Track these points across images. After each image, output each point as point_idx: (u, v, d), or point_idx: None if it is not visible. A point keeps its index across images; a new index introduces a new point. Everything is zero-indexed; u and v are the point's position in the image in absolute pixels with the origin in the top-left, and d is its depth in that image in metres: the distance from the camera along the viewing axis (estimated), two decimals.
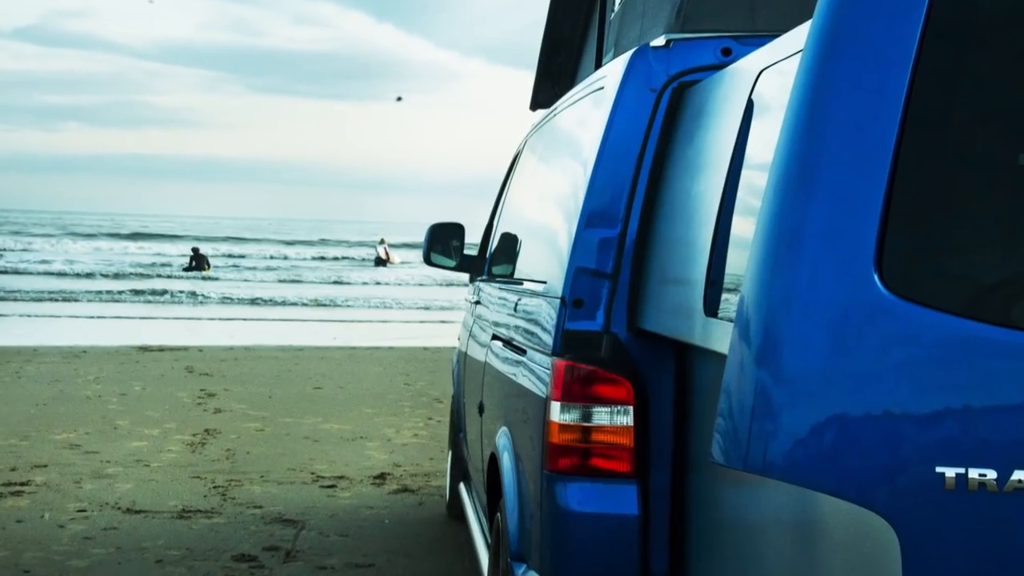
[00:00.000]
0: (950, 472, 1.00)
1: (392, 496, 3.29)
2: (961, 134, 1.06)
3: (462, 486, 2.71)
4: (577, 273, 1.48)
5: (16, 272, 16.08)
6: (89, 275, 15.99)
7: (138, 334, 8.14)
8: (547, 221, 1.79)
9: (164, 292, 13.05)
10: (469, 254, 2.77)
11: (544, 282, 1.64)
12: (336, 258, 22.95)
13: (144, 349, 6.95)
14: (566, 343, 1.46)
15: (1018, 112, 1.04)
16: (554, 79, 2.67)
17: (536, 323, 1.64)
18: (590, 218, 1.49)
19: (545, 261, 1.68)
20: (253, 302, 12.43)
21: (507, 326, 1.94)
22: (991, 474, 1.00)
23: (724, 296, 1.22)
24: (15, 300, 11.59)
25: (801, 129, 1.06)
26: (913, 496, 1.00)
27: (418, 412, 4.80)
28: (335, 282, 16.57)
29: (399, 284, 16.42)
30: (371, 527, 2.94)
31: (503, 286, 2.12)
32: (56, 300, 11.87)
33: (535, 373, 1.59)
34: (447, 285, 14.82)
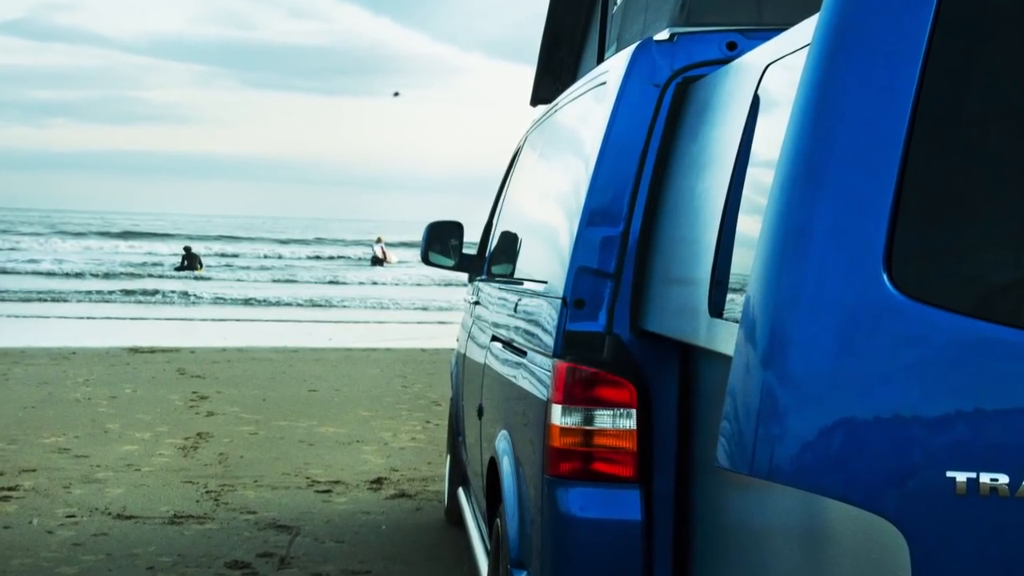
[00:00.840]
0: (961, 477, 0.98)
1: (389, 501, 3.25)
2: (972, 131, 1.04)
3: (461, 491, 2.69)
4: (579, 273, 1.45)
5: (4, 272, 15.97)
6: (79, 275, 15.89)
7: (129, 335, 8.07)
8: (548, 219, 1.77)
9: (155, 292, 12.98)
10: (468, 253, 2.74)
11: (545, 282, 1.62)
12: (332, 257, 22.90)
13: (135, 351, 6.90)
14: (567, 344, 1.44)
15: None
16: (555, 74, 2.64)
17: (537, 324, 1.61)
18: (592, 216, 1.46)
19: (546, 260, 1.66)
20: (247, 302, 12.38)
21: (507, 327, 1.91)
22: (1003, 479, 0.98)
23: (729, 296, 1.20)
24: (2, 300, 11.50)
25: (808, 125, 1.04)
26: (923, 501, 0.98)
27: (416, 415, 4.76)
28: (331, 282, 16.52)
29: (396, 284, 16.36)
30: (367, 533, 2.91)
31: (503, 286, 2.09)
32: (45, 300, 11.78)
33: (535, 375, 1.56)
34: (445, 285, 14.78)
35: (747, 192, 1.20)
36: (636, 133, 1.45)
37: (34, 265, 17.31)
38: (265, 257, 22.26)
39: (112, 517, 3.02)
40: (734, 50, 1.45)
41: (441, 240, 2.75)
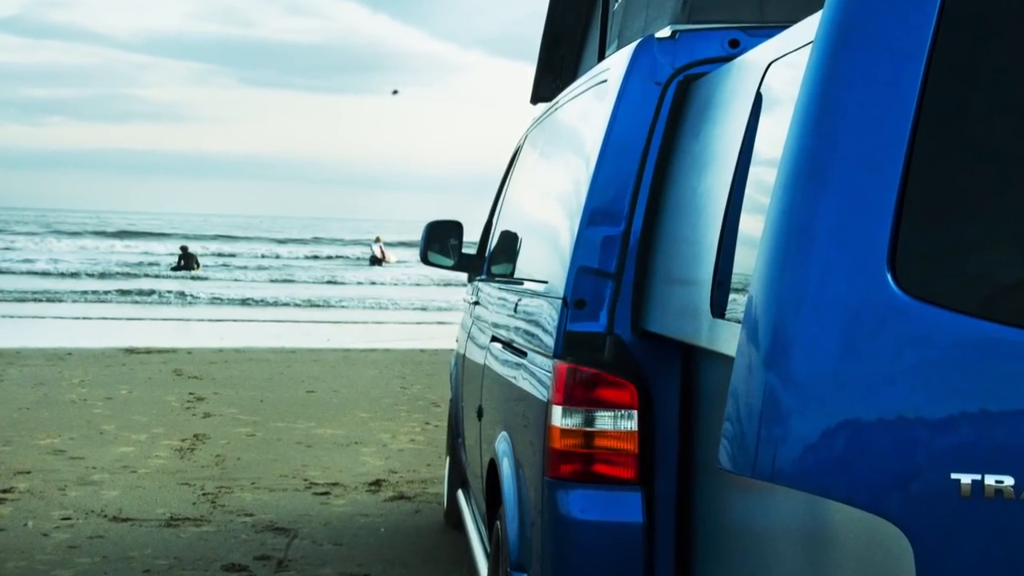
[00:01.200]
0: (965, 479, 0.97)
1: (388, 503, 3.23)
2: (977, 129, 1.03)
3: (460, 493, 2.67)
4: (579, 272, 1.44)
5: None
6: (74, 275, 15.81)
7: (125, 336, 8.04)
8: (548, 219, 1.76)
9: (152, 292, 12.92)
10: (468, 253, 2.72)
11: (545, 282, 1.61)
12: (330, 257, 22.81)
13: (131, 351, 6.86)
14: (568, 345, 1.43)
15: None
16: (556, 72, 2.63)
17: (537, 324, 1.60)
18: (593, 215, 1.45)
19: (546, 260, 1.65)
20: (244, 303, 12.34)
21: (507, 327, 1.90)
22: (1008, 481, 0.97)
23: (732, 297, 1.19)
24: None
25: (811, 123, 1.03)
26: (927, 503, 0.97)
27: (415, 416, 4.74)
28: (329, 282, 16.46)
29: (395, 284, 16.29)
30: (366, 536, 2.89)
31: (503, 286, 2.08)
32: (40, 300, 11.73)
33: (536, 376, 1.55)
34: (445, 285, 14.73)
35: (749, 191, 1.19)
36: (637, 132, 1.44)
37: (29, 265, 17.22)
38: (263, 257, 22.15)
39: (108, 519, 3.00)
40: (736, 48, 1.44)
41: (440, 240, 2.73)
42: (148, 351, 6.87)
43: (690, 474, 1.39)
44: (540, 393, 1.50)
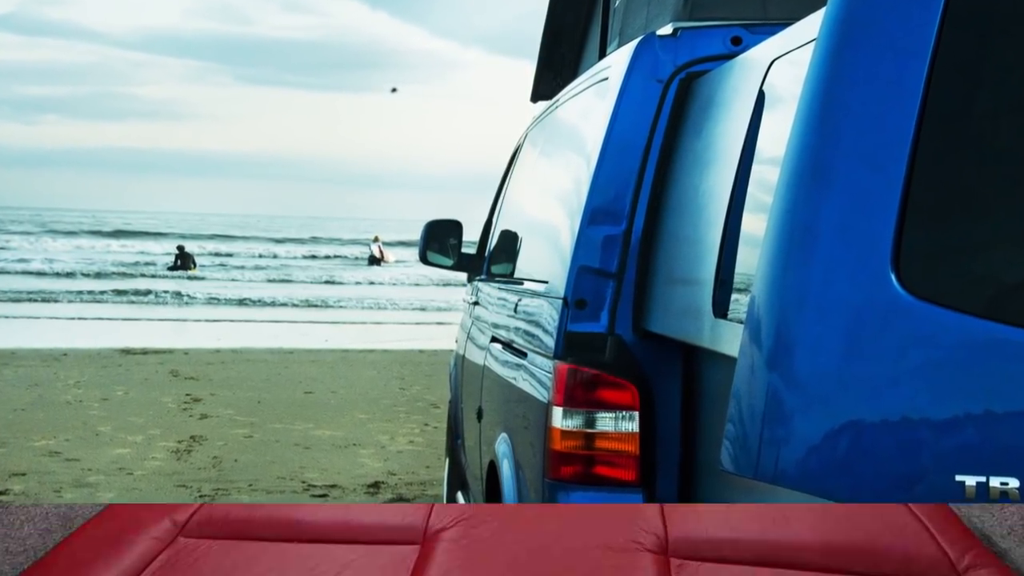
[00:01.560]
0: (970, 481, 0.96)
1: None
2: (982, 127, 1.02)
3: (460, 495, 2.66)
4: (580, 272, 1.44)
5: None
6: (69, 274, 15.69)
7: (121, 336, 8.01)
8: (549, 218, 1.75)
9: (148, 292, 12.84)
10: (467, 253, 2.71)
11: (545, 282, 1.60)
12: (328, 257, 22.62)
13: (127, 352, 6.85)
14: (568, 345, 1.43)
15: None
16: (556, 70, 2.63)
17: (537, 325, 1.60)
18: (593, 215, 1.45)
19: (546, 260, 1.64)
20: (241, 303, 12.28)
21: (507, 328, 1.89)
22: (1013, 483, 0.96)
23: (734, 297, 1.18)
24: None
25: (814, 122, 1.03)
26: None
27: (414, 418, 4.73)
28: (327, 282, 16.35)
29: (394, 284, 16.18)
30: None
31: (503, 286, 2.07)
32: (35, 300, 11.67)
33: (536, 377, 1.54)
34: (444, 285, 14.63)
35: (752, 190, 1.19)
36: (638, 130, 1.44)
37: (24, 264, 17.06)
38: (260, 256, 21.94)
39: None
40: (739, 45, 1.44)
41: (439, 239, 2.71)
42: (144, 352, 6.85)
43: (691, 476, 1.39)
44: (540, 394, 1.50)
